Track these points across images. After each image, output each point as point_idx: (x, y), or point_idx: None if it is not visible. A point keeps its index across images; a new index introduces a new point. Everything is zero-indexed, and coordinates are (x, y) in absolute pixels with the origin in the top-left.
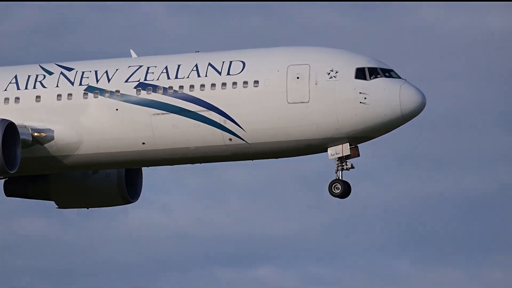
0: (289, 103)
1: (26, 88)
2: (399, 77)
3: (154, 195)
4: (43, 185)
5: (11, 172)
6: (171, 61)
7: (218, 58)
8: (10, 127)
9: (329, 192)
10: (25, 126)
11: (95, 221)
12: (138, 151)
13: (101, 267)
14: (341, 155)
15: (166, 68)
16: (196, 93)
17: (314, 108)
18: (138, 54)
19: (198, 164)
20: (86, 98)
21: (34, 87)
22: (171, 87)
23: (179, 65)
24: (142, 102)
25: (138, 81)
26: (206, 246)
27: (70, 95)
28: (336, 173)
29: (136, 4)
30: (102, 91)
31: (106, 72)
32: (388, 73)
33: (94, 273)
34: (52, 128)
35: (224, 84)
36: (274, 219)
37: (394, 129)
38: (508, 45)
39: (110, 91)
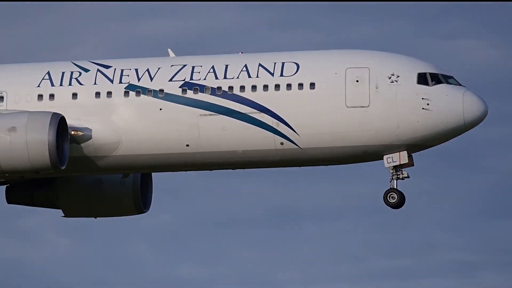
0: (347, 107)
1: (61, 84)
2: (459, 84)
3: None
4: (50, 192)
5: (62, 168)
6: (217, 61)
7: (269, 59)
8: (62, 121)
9: (384, 201)
10: None
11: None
12: (181, 154)
13: None
14: (398, 163)
15: (213, 67)
16: (247, 94)
17: (374, 112)
18: (177, 54)
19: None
20: (127, 96)
21: (70, 84)
22: (219, 88)
23: (226, 65)
24: (188, 102)
25: (184, 80)
26: None
27: (109, 93)
28: (390, 182)
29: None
30: (144, 90)
31: (148, 70)
32: (448, 79)
33: None
34: (89, 127)
35: (277, 86)
36: None
37: (453, 137)
38: None
39: (153, 90)
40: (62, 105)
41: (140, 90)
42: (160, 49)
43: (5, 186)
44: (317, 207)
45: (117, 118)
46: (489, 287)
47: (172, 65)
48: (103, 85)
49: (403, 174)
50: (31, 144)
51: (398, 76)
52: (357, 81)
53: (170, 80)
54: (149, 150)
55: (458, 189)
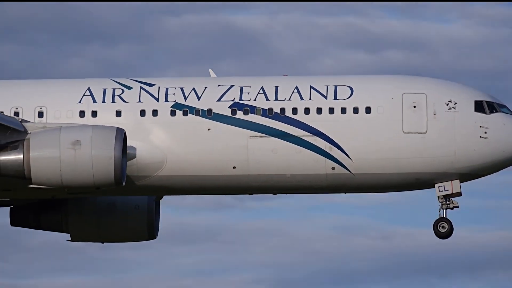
0: (404, 132)
1: (103, 101)
2: None
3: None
4: (59, 215)
5: (123, 184)
6: (266, 82)
7: (320, 82)
8: (124, 137)
9: (434, 231)
10: None
11: None
12: (227, 176)
13: None
14: (450, 192)
15: (262, 88)
16: (300, 117)
17: (431, 139)
18: (217, 74)
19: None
20: (174, 115)
21: (113, 101)
22: (271, 109)
23: (276, 87)
24: (238, 123)
25: (233, 100)
26: None
27: (155, 111)
28: (439, 211)
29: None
30: (192, 109)
31: (194, 89)
32: (502, 108)
33: None
34: (133, 145)
35: (331, 109)
36: None
37: (505, 168)
38: None
39: (202, 110)
40: (106, 123)
41: (188, 109)
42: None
43: (8, 208)
44: None
45: (163, 137)
46: None
47: (219, 85)
48: (148, 103)
49: (453, 203)
50: (97, 159)
51: (455, 103)
52: (415, 106)
53: (219, 100)
54: (194, 171)
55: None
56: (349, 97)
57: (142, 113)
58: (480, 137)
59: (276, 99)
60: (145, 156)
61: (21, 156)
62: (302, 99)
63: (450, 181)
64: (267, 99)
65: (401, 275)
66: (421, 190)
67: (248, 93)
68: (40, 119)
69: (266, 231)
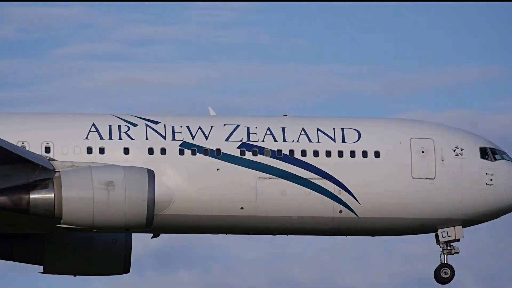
0: (413, 178)
1: (110, 138)
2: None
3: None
4: (34, 247)
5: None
6: (272, 123)
7: (326, 124)
8: None
9: (435, 277)
10: None
11: None
12: (233, 216)
13: None
14: (453, 238)
15: (269, 129)
16: (309, 159)
17: (439, 185)
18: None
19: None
20: (182, 154)
21: (120, 138)
22: (280, 151)
23: (283, 128)
24: (247, 164)
25: (241, 141)
26: None
27: (163, 149)
28: (440, 256)
29: None
30: (200, 149)
31: (200, 128)
32: (503, 154)
33: None
34: None
35: (340, 152)
36: None
37: (506, 214)
38: None
39: (210, 149)
40: (114, 160)
41: (196, 149)
42: None
43: None
44: None
45: (171, 175)
46: None
47: (224, 124)
48: (156, 141)
49: (454, 249)
50: (130, 201)
51: (462, 149)
52: (423, 152)
53: (227, 140)
54: (201, 210)
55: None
56: (357, 140)
57: (150, 151)
58: (486, 184)
59: (284, 140)
60: None
61: (52, 195)
62: (310, 141)
63: (453, 227)
64: (275, 140)
65: None
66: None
67: (256, 133)
68: (47, 154)
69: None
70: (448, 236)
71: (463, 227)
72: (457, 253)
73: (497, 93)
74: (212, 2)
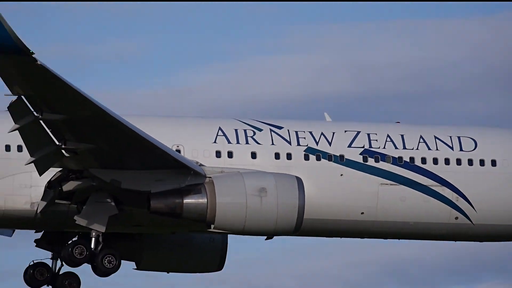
0: None
1: (238, 142)
2: None
3: None
4: (135, 245)
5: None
6: (391, 130)
7: (443, 132)
8: None
9: None
10: None
11: None
12: (354, 221)
13: None
14: None
15: (389, 136)
16: (429, 167)
17: None
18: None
19: None
20: (307, 160)
21: (247, 143)
22: (401, 158)
23: (402, 135)
24: (369, 170)
25: (363, 147)
26: None
27: (289, 155)
28: None
29: None
30: (324, 154)
31: (323, 134)
32: None
33: None
34: None
35: (459, 160)
36: None
37: None
38: None
39: (334, 155)
40: (242, 164)
41: (320, 154)
42: None
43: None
44: None
45: None
46: None
47: (346, 131)
48: (282, 146)
49: None
50: (282, 207)
51: None
52: None
53: (349, 146)
54: (322, 215)
55: None
56: (474, 149)
57: (277, 155)
58: None
59: (404, 147)
60: None
61: (205, 200)
62: (429, 149)
63: None
64: (396, 148)
65: None
66: None
67: (376, 140)
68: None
69: None
70: None
71: None
72: None
73: None
74: None
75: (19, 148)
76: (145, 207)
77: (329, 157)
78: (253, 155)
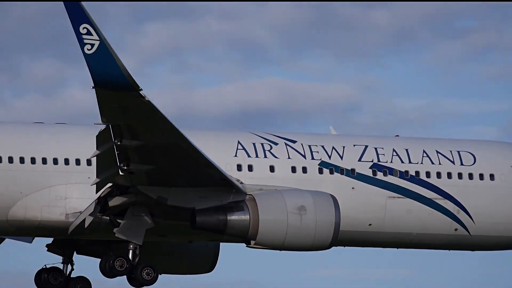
0: None
1: (257, 156)
2: None
3: None
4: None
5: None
6: (396, 144)
7: (443, 146)
8: None
9: None
10: None
11: None
12: (362, 232)
13: None
14: None
15: (394, 150)
16: (433, 181)
17: None
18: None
19: None
20: (322, 173)
21: (265, 156)
22: (407, 172)
23: (406, 149)
24: (378, 184)
25: (372, 161)
26: None
27: (304, 168)
28: None
29: None
30: (337, 168)
31: (334, 148)
32: None
33: None
34: None
35: (460, 174)
36: None
37: None
38: None
39: (346, 169)
40: (261, 177)
41: (333, 168)
42: None
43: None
44: None
45: None
46: None
47: (354, 145)
48: (297, 160)
49: None
50: (320, 225)
51: None
52: None
53: (359, 160)
54: None
55: None
56: (473, 163)
57: (293, 169)
58: None
59: (410, 162)
60: None
61: (248, 217)
62: (432, 163)
63: None
64: (402, 162)
65: None
66: None
67: (384, 154)
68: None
69: None
70: None
71: None
72: None
73: None
74: None
75: (55, 161)
76: (180, 220)
77: (341, 170)
78: (271, 169)
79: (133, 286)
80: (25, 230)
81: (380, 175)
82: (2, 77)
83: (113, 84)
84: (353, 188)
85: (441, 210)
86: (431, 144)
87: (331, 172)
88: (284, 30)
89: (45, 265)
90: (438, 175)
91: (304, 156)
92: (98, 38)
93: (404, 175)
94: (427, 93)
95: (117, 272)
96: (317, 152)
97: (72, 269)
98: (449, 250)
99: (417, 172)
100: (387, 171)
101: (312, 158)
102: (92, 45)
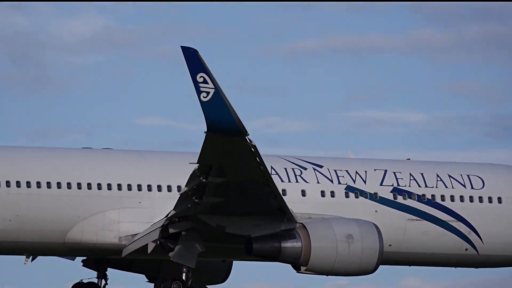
0: None
1: (289, 181)
2: None
3: None
4: (155, 262)
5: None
6: (412, 169)
7: (453, 171)
8: None
9: None
10: None
11: None
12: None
13: None
14: None
15: (411, 175)
16: (448, 203)
17: None
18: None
19: None
20: (348, 197)
21: (297, 181)
22: (424, 195)
23: (422, 173)
24: (399, 207)
25: (392, 185)
26: None
27: (332, 192)
28: None
29: None
30: (362, 192)
31: (357, 172)
32: None
33: None
34: None
35: (471, 198)
36: None
37: None
38: None
39: (369, 193)
40: (293, 201)
41: (358, 192)
42: None
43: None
44: None
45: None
46: None
47: (375, 169)
48: (326, 185)
49: None
50: (366, 252)
51: None
52: None
53: (381, 184)
54: None
55: None
56: (482, 187)
57: (322, 193)
58: None
59: (426, 186)
60: None
61: (300, 245)
62: (446, 187)
63: None
64: (419, 186)
65: None
66: None
67: (402, 179)
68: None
69: None
70: None
71: None
72: None
73: None
74: None
75: (109, 187)
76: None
77: (365, 194)
78: (303, 193)
79: None
80: (80, 252)
81: (400, 199)
82: None
83: (224, 130)
84: (376, 211)
85: (454, 231)
86: (443, 169)
87: (356, 196)
88: None
89: (81, 280)
90: (452, 198)
91: (332, 181)
92: (213, 87)
93: (421, 198)
94: None
95: None
96: (343, 176)
97: (106, 283)
98: (454, 267)
99: (433, 196)
100: (406, 194)
101: (339, 183)
102: (208, 93)
